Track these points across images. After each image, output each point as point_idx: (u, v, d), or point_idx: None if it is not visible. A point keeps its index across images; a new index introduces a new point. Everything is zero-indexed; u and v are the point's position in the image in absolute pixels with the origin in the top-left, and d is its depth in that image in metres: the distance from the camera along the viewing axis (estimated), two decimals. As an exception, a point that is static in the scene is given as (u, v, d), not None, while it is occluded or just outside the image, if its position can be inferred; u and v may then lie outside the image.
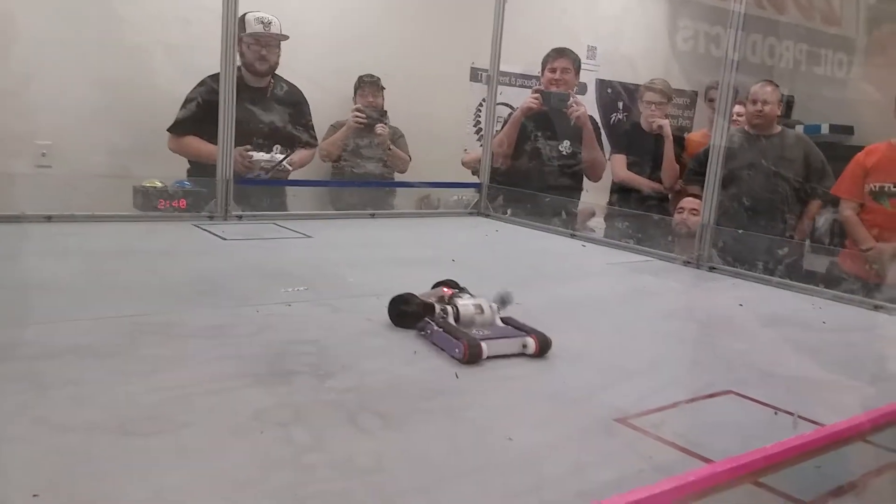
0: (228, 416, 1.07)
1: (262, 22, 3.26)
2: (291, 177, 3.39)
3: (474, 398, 1.24)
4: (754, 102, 3.59)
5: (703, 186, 3.68)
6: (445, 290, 1.58)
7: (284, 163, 3.22)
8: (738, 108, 4.64)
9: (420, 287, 1.63)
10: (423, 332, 1.51)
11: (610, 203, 4.00)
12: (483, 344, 1.38)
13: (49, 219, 2.44)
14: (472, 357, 1.37)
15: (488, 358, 1.39)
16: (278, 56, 3.33)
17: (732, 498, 0.89)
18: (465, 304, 1.51)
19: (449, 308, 1.50)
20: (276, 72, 3.39)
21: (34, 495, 0.82)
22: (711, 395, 1.32)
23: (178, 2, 3.50)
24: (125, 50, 3.41)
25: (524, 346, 1.44)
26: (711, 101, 3.99)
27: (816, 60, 4.74)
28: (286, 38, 3.32)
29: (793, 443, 0.90)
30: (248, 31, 3.24)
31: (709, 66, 4.82)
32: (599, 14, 5.36)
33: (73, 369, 1.20)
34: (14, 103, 3.26)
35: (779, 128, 3.68)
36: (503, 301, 1.56)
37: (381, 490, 0.91)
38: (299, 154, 3.40)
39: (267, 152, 3.20)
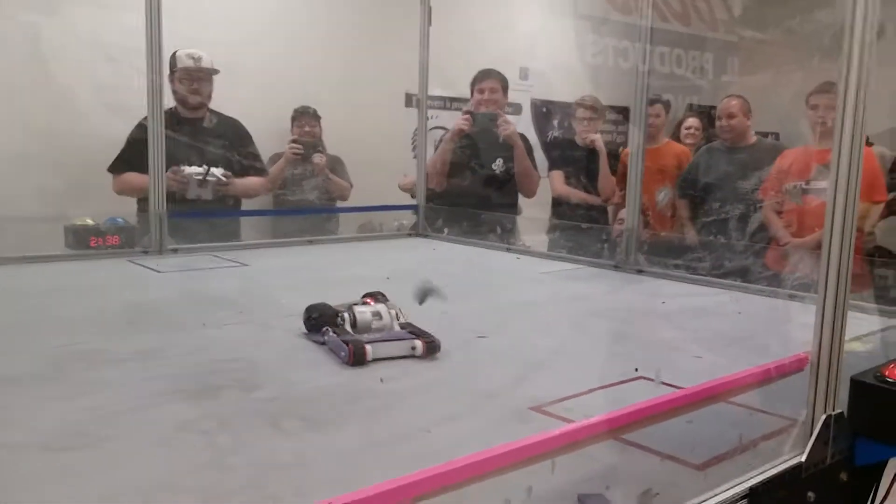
0: (153, 429, 1.11)
1: (193, 58, 3.31)
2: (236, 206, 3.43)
3: (397, 399, 1.29)
4: (720, 118, 3.81)
5: (692, 201, 3.93)
6: (369, 300, 1.64)
7: (217, 173, 3.23)
8: (691, 121, 4.87)
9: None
10: (321, 340, 1.55)
11: (552, 216, 4.12)
12: (368, 346, 1.44)
13: (-21, 262, 2.43)
14: (357, 359, 1.42)
15: (377, 360, 1.44)
16: (210, 90, 3.38)
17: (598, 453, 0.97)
18: (362, 310, 1.56)
19: (346, 315, 1.55)
20: (211, 105, 3.43)
21: (-44, 510, 0.85)
22: (622, 382, 1.40)
23: (104, 43, 3.52)
24: (52, 92, 3.42)
25: (413, 348, 1.50)
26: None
27: (731, 69, 4.97)
28: (217, 71, 3.37)
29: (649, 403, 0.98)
30: (179, 66, 3.28)
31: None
32: (522, 33, 5.53)
33: (1, 397, 1.22)
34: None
35: (754, 138, 3.89)
36: (424, 293, 1.62)
37: (300, 483, 0.95)
38: (247, 180, 3.43)
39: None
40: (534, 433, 1.14)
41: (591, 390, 1.35)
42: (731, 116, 3.82)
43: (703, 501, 0.86)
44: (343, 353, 1.45)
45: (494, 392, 1.34)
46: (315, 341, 1.58)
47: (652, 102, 4.16)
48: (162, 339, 1.63)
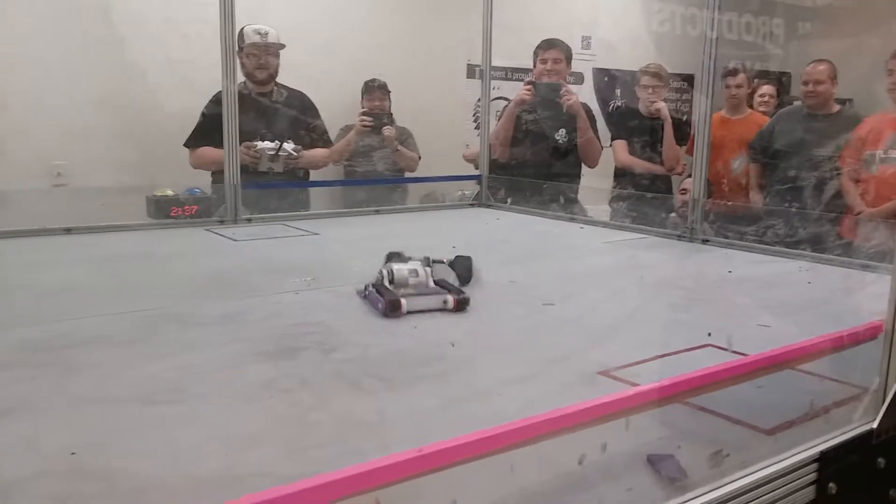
0: (239, 387, 1.18)
1: (260, 33, 3.38)
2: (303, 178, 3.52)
3: (467, 363, 1.34)
4: (806, 83, 3.70)
5: (765, 167, 3.85)
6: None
7: (288, 148, 3.33)
8: (766, 89, 4.73)
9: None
10: (363, 294, 1.69)
11: (615, 186, 4.09)
12: (403, 300, 1.57)
13: (69, 231, 2.57)
14: (392, 309, 1.55)
15: (412, 313, 1.58)
16: (277, 64, 3.45)
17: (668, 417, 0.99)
18: (399, 267, 1.68)
19: (384, 271, 1.68)
20: (284, 79, 3.51)
21: (72, 453, 0.93)
22: (690, 349, 1.41)
23: (177, 19, 3.62)
24: (129, 68, 3.55)
25: (444, 301, 1.62)
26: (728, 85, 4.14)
27: (805, 34, 4.80)
28: (283, 46, 3.44)
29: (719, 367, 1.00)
30: (247, 41, 3.36)
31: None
32: (585, 2, 5.45)
33: (97, 355, 1.31)
34: (26, 125, 3.40)
35: (837, 106, 3.77)
36: (390, 257, 1.77)
37: (378, 435, 1.01)
38: (313, 152, 3.52)
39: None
40: (600, 395, 1.18)
41: (657, 356, 1.37)
42: (818, 83, 3.68)
43: (774, 464, 0.88)
44: (380, 305, 1.56)
45: (562, 357, 1.38)
46: (358, 294, 1.70)
47: (735, 72, 4.07)
48: (241, 304, 1.71)
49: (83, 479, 0.87)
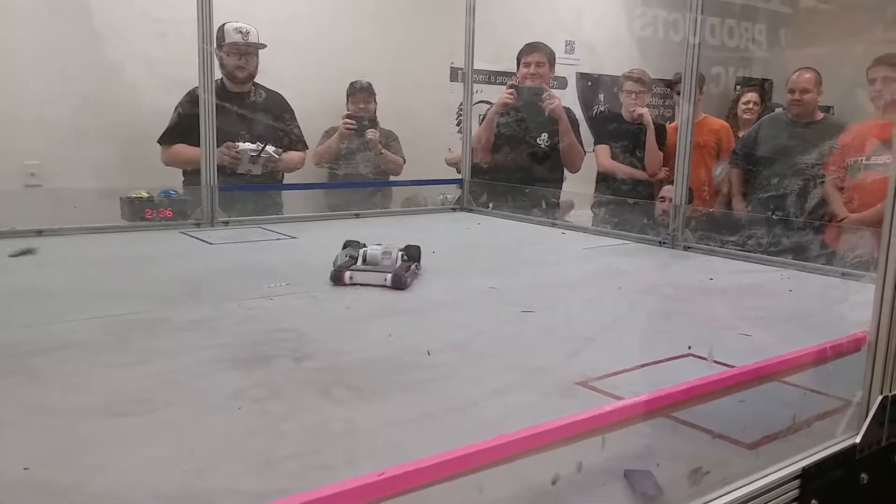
0: (209, 396, 1.14)
1: (241, 31, 3.34)
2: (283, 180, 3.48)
3: (444, 372, 1.31)
4: (792, 91, 3.69)
5: (745, 173, 3.84)
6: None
7: (270, 150, 3.29)
8: (750, 96, 4.74)
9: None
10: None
11: (597, 191, 4.08)
12: (347, 272, 1.88)
13: (40, 233, 2.51)
14: (334, 278, 1.89)
15: (354, 285, 1.87)
16: (257, 64, 3.41)
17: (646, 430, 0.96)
18: (374, 249, 1.95)
19: (361, 252, 1.96)
20: (257, 80, 3.47)
21: (25, 469, 0.89)
22: (670, 359, 1.39)
23: (155, 17, 3.57)
24: (106, 66, 3.49)
25: (385, 280, 1.85)
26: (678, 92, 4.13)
27: (782, 41, 4.83)
28: (264, 46, 3.40)
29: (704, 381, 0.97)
30: (228, 40, 3.31)
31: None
32: (568, 6, 5.45)
33: (64, 363, 1.27)
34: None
35: (821, 115, 3.77)
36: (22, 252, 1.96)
37: (349, 448, 0.98)
38: (290, 154, 3.47)
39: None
40: (580, 408, 1.16)
41: (638, 366, 1.35)
42: (804, 91, 3.67)
43: (755, 481, 0.85)
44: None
45: (540, 367, 1.35)
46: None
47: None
48: (215, 309, 1.67)
49: (34, 496, 0.83)
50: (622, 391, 1.21)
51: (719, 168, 4.12)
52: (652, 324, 1.65)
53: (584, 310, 1.75)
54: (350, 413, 1.10)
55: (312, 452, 0.96)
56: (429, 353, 1.39)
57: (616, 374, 1.29)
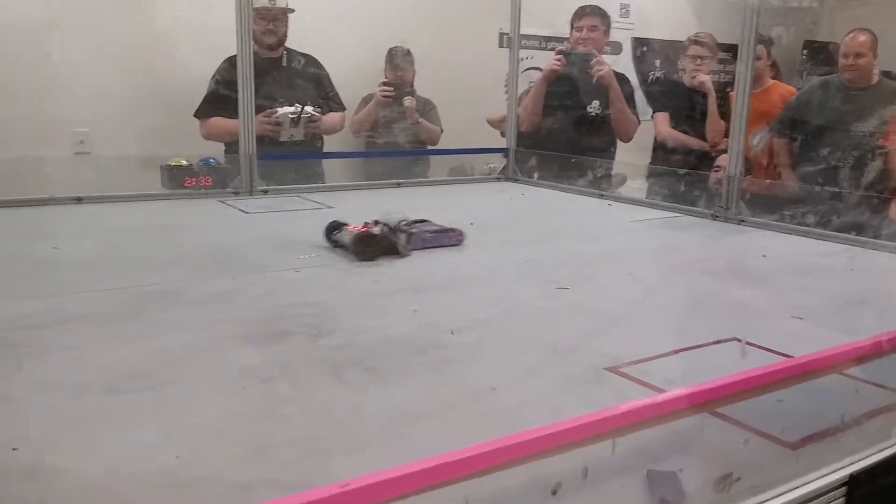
0: (214, 374, 1.10)
1: (269, -3, 3.27)
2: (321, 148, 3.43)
3: (466, 352, 1.24)
4: (846, 56, 3.43)
5: (792, 143, 3.62)
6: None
7: (309, 110, 3.23)
8: None
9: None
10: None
11: (652, 162, 3.91)
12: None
13: (79, 200, 2.52)
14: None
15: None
16: (286, 29, 3.34)
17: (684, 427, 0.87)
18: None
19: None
20: (288, 45, 3.41)
21: (14, 449, 0.85)
22: (711, 343, 1.29)
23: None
24: (154, 35, 3.47)
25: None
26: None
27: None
28: (292, 11, 3.33)
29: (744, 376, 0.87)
30: (256, 5, 3.25)
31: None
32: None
33: (73, 335, 1.24)
34: (50, 91, 3.35)
35: (876, 78, 3.51)
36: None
37: (351, 437, 0.91)
38: (329, 116, 3.42)
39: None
40: (606, 397, 1.07)
41: (673, 352, 1.25)
42: (858, 55, 3.41)
43: (795, 489, 0.76)
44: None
45: (569, 348, 1.26)
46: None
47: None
48: (239, 281, 1.62)
49: (17, 480, 0.79)
50: (655, 378, 1.12)
51: (757, 137, 3.86)
52: (694, 304, 1.54)
53: (622, 287, 1.65)
54: (359, 397, 1.04)
55: (310, 439, 0.90)
56: (452, 332, 1.32)
57: (649, 359, 1.20)
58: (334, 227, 1.95)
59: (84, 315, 1.34)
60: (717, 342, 1.29)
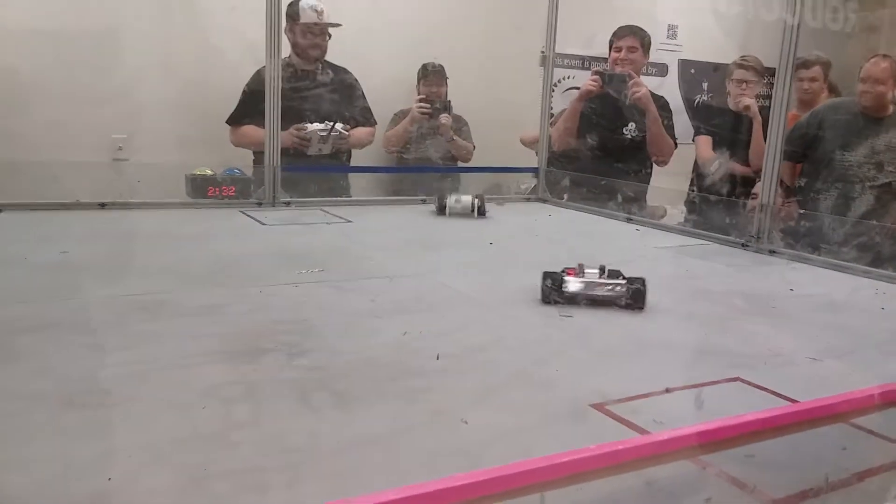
0: (176, 392, 1.06)
1: (316, 10, 3.28)
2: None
3: (444, 379, 1.18)
4: (864, 81, 3.26)
5: (794, 164, 3.46)
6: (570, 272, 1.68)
7: (339, 128, 3.23)
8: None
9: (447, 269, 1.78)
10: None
11: (691, 187, 3.79)
12: None
13: (103, 206, 2.54)
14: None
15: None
16: (327, 43, 3.35)
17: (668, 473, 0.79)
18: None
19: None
20: (335, 59, 3.42)
21: (-55, 461, 0.82)
22: (711, 383, 1.20)
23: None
24: (195, 45, 3.52)
25: None
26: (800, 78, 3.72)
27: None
28: (339, 25, 3.33)
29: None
30: (303, 19, 3.26)
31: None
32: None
33: (47, 343, 1.22)
34: (89, 96, 3.41)
35: (892, 108, 3.33)
36: None
37: (294, 469, 0.86)
38: (358, 130, 3.41)
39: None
40: (584, 436, 1.00)
41: (669, 390, 1.17)
42: (878, 82, 3.22)
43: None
44: None
45: (556, 381, 1.19)
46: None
47: (808, 64, 3.70)
48: (232, 294, 1.60)
49: (-66, 495, 0.76)
50: (641, 418, 1.04)
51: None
52: (704, 339, 1.45)
53: (629, 318, 1.57)
54: (318, 424, 0.99)
55: (251, 471, 0.85)
56: (438, 358, 1.26)
57: (640, 397, 1.12)
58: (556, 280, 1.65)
59: (65, 323, 1.32)
60: (715, 382, 1.20)
